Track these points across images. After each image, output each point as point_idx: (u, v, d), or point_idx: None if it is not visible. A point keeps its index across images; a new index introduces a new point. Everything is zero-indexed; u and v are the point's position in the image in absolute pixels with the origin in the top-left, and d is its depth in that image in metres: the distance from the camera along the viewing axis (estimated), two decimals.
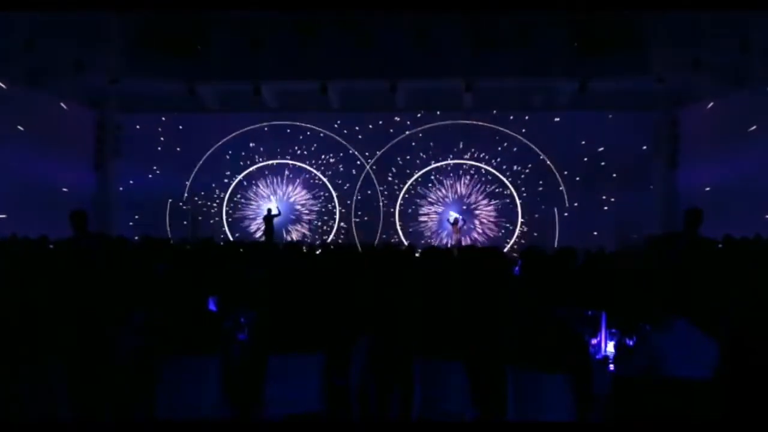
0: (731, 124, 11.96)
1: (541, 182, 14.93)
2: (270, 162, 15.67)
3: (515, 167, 15.12)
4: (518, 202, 15.13)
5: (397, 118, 15.28)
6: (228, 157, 15.53)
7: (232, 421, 3.37)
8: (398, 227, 15.40)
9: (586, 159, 14.40)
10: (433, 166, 15.40)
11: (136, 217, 14.67)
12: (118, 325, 3.88)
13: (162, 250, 6.99)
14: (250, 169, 15.67)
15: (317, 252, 9.22)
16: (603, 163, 14.32)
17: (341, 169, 15.55)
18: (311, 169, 15.61)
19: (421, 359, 3.41)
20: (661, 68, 12.80)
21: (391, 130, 15.33)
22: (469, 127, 15.16)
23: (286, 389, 3.34)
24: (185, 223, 15.39)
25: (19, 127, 11.77)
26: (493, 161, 15.25)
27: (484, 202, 15.35)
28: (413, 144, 15.32)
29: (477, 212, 15.39)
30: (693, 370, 2.96)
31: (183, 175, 15.36)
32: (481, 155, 15.31)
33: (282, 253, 7.49)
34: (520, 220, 15.14)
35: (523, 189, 15.12)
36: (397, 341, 3.85)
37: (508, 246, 14.75)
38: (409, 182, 15.39)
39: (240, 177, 15.70)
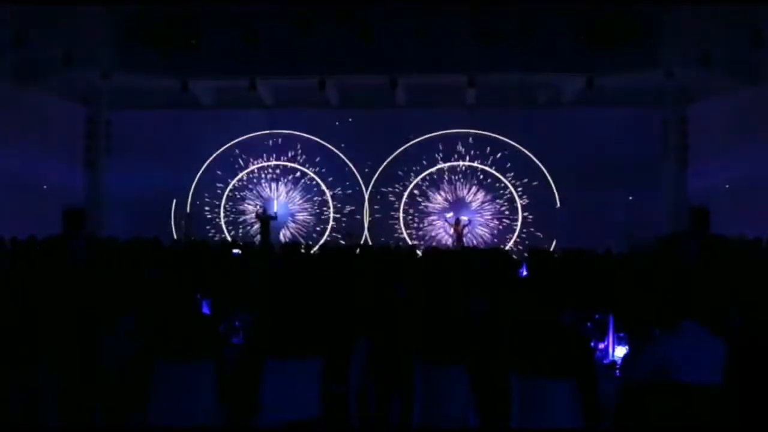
0: (743, 121, 11.96)
1: (547, 181, 14.94)
2: (268, 163, 15.72)
3: (520, 166, 15.11)
4: (519, 203, 15.14)
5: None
6: (231, 157, 15.58)
7: (227, 428, 3.37)
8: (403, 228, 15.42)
9: (593, 157, 14.38)
10: (432, 169, 15.41)
11: (127, 216, 14.67)
12: (109, 329, 3.89)
13: (154, 252, 7.00)
14: (247, 170, 15.71)
15: (314, 253, 9.24)
16: (611, 162, 14.29)
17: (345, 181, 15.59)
18: (310, 173, 15.62)
19: (421, 363, 3.41)
20: (670, 63, 12.79)
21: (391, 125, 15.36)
22: (473, 125, 15.17)
23: (282, 395, 3.35)
24: (180, 223, 15.39)
25: (6, 124, 11.78)
26: (498, 155, 15.24)
27: (484, 202, 15.36)
28: (411, 137, 15.36)
29: (479, 213, 15.40)
30: (702, 375, 2.96)
31: (176, 174, 15.35)
32: (486, 151, 15.31)
33: (279, 255, 7.51)
34: (520, 219, 15.17)
35: (525, 188, 15.14)
36: (397, 345, 3.85)
37: (509, 244, 14.80)
38: (411, 185, 15.41)
39: (236, 179, 15.74)
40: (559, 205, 14.84)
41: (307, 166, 15.68)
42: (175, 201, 15.48)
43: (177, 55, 13.50)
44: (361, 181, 15.52)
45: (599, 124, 14.33)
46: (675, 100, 14.24)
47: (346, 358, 3.87)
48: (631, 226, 13.52)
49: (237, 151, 15.67)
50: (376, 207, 15.59)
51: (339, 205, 15.64)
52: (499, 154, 15.17)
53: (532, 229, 15.10)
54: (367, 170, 15.44)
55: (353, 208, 15.59)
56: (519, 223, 15.18)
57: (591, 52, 12.96)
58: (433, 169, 15.44)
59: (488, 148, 15.29)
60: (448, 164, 15.42)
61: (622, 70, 13.01)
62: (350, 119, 15.45)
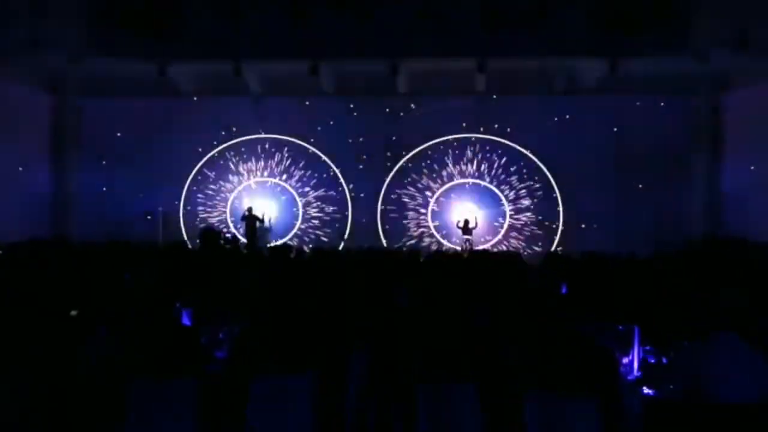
0: None
1: (562, 178, 14.95)
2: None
3: (531, 162, 15.13)
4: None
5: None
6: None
7: None
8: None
9: (616, 150, 14.38)
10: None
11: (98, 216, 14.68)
12: (79, 342, 3.89)
13: (128, 256, 7.00)
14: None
15: (306, 257, 9.24)
16: (636, 156, 14.28)
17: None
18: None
19: (425, 379, 3.42)
20: (702, 46, 12.78)
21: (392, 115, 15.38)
22: (479, 118, 15.20)
23: (271, 414, 3.35)
24: (155, 222, 15.39)
25: None
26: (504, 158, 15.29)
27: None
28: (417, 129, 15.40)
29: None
30: (739, 392, 2.96)
31: (152, 169, 15.34)
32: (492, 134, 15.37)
33: (267, 259, 7.52)
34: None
35: (533, 187, 15.18)
36: (398, 358, 3.85)
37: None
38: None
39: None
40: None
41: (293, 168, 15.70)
42: (160, 206, 15.48)
43: (154, 37, 13.49)
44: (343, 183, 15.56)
45: (623, 113, 14.34)
46: (708, 88, 14.25)
47: (342, 373, 3.88)
48: (660, 227, 13.54)
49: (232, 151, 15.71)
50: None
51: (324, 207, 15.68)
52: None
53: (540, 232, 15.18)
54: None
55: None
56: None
57: (613, 33, 12.93)
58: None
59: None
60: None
61: (648, 54, 12.99)
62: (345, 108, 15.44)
